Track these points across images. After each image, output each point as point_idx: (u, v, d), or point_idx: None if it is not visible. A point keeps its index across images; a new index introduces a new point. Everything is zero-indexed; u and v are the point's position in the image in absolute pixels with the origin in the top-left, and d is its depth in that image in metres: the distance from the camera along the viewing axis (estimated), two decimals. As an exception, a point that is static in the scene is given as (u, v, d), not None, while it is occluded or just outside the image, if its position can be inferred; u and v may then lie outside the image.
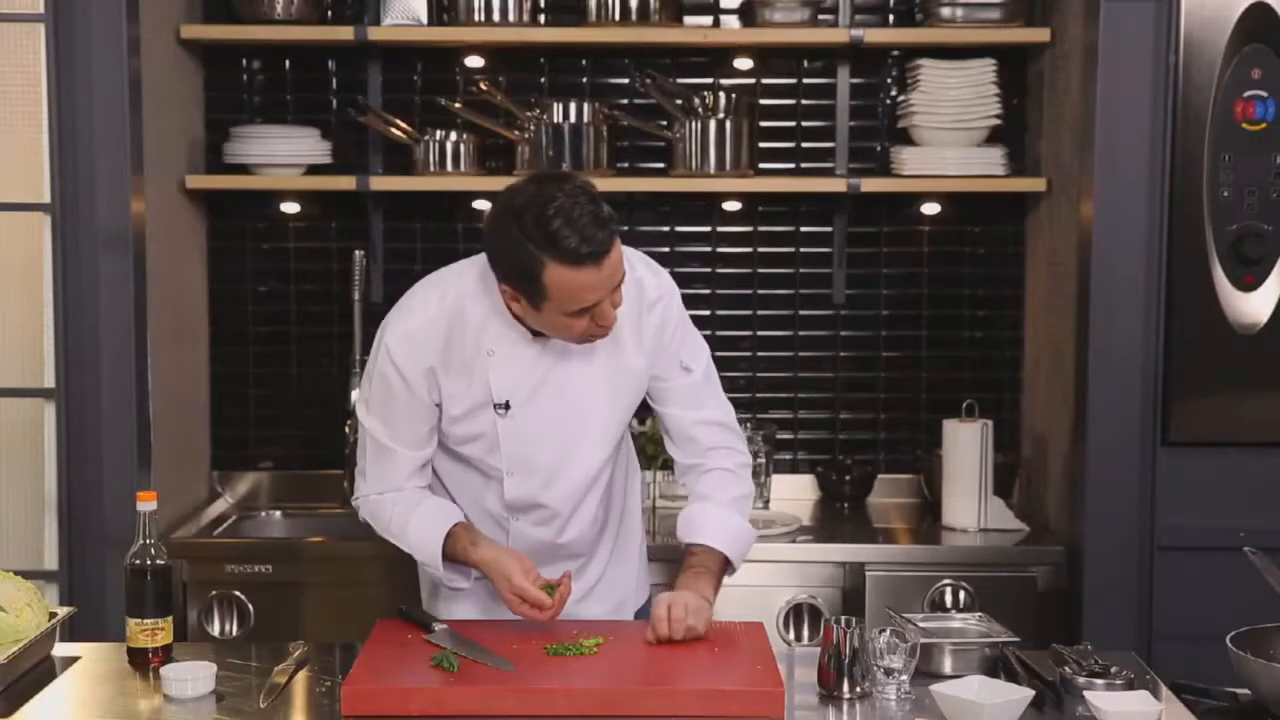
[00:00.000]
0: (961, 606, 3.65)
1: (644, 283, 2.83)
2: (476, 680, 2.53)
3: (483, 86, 4.10)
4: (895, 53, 4.20)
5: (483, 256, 2.75)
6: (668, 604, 2.71)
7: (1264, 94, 3.53)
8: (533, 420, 2.79)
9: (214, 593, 3.70)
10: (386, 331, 2.79)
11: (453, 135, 4.06)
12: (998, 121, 4.07)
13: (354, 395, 4.08)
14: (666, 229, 4.30)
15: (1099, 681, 2.54)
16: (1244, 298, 3.56)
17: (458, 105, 4.13)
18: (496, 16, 4.00)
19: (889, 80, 4.23)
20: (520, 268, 2.60)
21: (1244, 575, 2.79)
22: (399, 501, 2.85)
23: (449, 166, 4.07)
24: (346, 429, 4.09)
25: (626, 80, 4.24)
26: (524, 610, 2.72)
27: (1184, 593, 3.55)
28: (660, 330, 2.85)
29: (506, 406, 2.77)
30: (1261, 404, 3.58)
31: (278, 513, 4.14)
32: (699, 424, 2.92)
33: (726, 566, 2.89)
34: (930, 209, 4.24)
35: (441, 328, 2.75)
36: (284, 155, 4.08)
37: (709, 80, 4.24)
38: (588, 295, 2.60)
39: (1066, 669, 2.59)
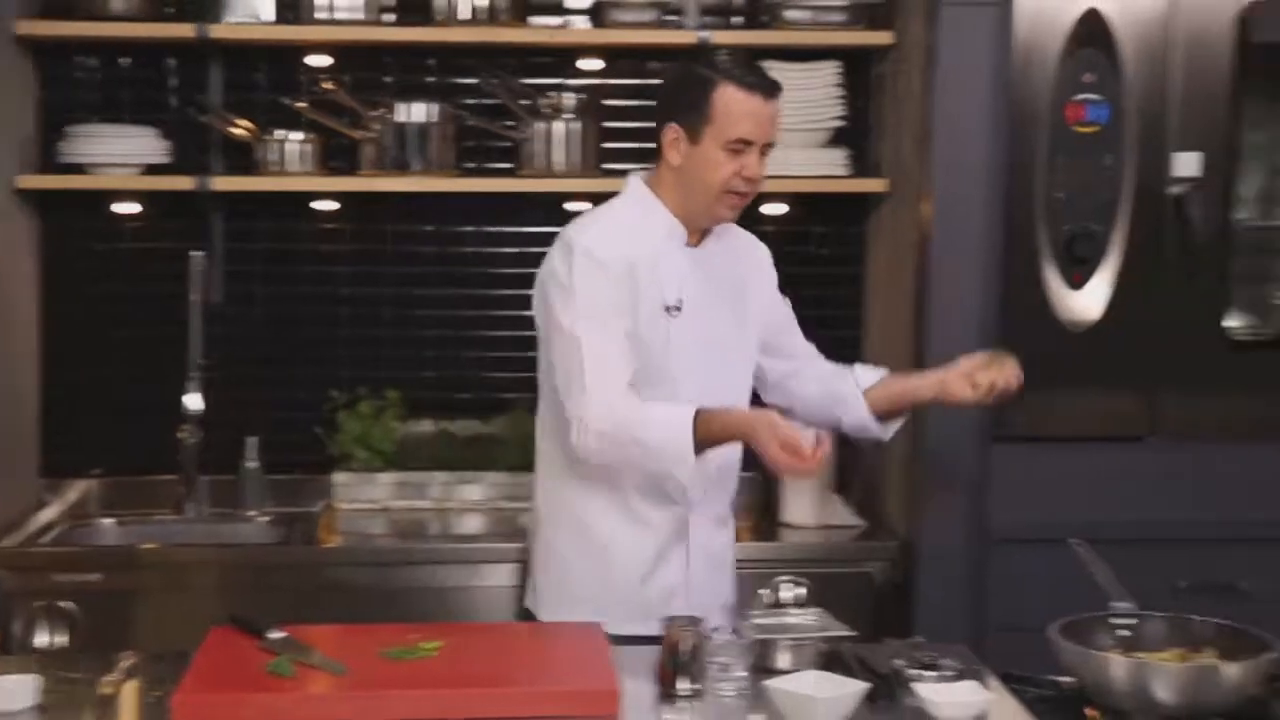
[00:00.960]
0: (800, 603, 3.67)
1: (754, 238, 3.21)
2: (312, 686, 2.49)
3: (327, 86, 4.05)
4: (741, 54, 4.22)
5: (634, 184, 3.03)
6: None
7: (1096, 98, 3.60)
8: (700, 322, 2.97)
9: (40, 603, 3.56)
10: (578, 240, 2.93)
11: (295, 135, 4.01)
12: (841, 123, 4.11)
13: (186, 399, 3.99)
14: (514, 229, 4.28)
15: (929, 674, 2.57)
16: (1075, 296, 3.63)
17: (302, 105, 4.08)
18: (341, 15, 3.95)
19: (735, 82, 4.25)
20: (693, 89, 2.91)
21: (1075, 568, 2.85)
22: (632, 406, 2.87)
23: (291, 166, 4.01)
24: (182, 433, 3.99)
25: (474, 80, 4.21)
26: (791, 462, 2.76)
27: (1017, 586, 3.60)
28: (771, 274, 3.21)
29: (679, 308, 2.94)
30: (1092, 399, 3.65)
31: (110, 520, 4.02)
32: (804, 344, 3.28)
33: None
34: (776, 209, 4.27)
35: (627, 235, 2.95)
36: (121, 155, 3.98)
37: (556, 80, 4.23)
38: (746, 124, 2.87)
39: (899, 662, 2.62)
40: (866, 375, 3.23)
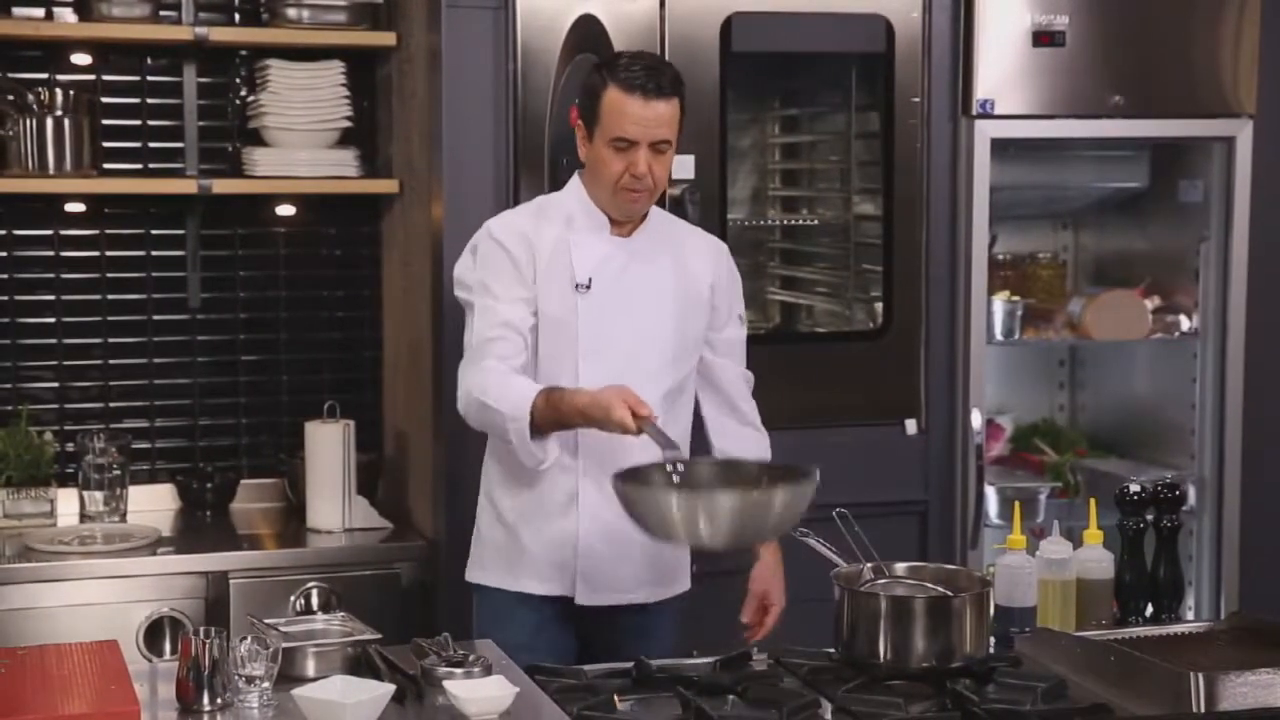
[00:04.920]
0: (329, 608, 3.65)
1: (717, 241, 3.30)
2: None
3: None
4: (243, 52, 4.14)
5: (559, 192, 3.17)
6: (777, 611, 3.16)
7: (597, 100, 3.73)
8: (610, 301, 3.05)
9: None
10: (488, 224, 3.13)
11: None
12: (348, 124, 4.10)
13: None
14: (3, 232, 4.05)
15: (458, 671, 2.61)
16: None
17: None
18: None
19: (238, 80, 4.16)
20: (588, 91, 3.05)
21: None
22: (498, 370, 3.00)
23: None
24: None
25: (-49, 74, 3.97)
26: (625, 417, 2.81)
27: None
28: (730, 275, 3.25)
29: (588, 286, 3.03)
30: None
31: None
32: (740, 378, 3.28)
33: None
34: (285, 210, 4.22)
35: (533, 215, 3.12)
36: None
37: (45, 75, 4.02)
38: (628, 125, 2.97)
39: (428, 661, 2.65)
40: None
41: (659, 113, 2.99)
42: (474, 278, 3.11)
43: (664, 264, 3.13)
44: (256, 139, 4.08)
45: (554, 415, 2.93)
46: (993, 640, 2.81)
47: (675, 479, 2.77)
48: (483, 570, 3.19)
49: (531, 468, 3.01)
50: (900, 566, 2.87)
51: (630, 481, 2.73)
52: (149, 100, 4.13)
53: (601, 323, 3.06)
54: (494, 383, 2.98)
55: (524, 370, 3.04)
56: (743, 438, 3.25)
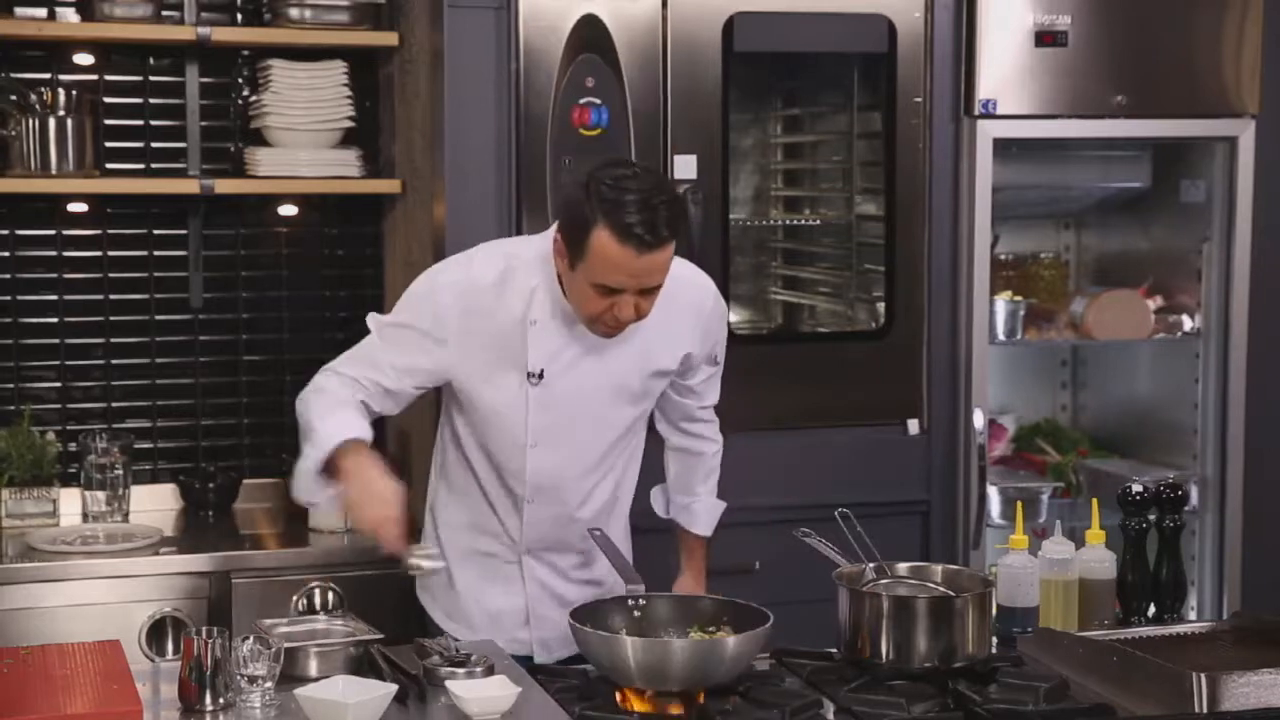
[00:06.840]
0: (331, 607, 3.66)
1: (706, 290, 3.01)
2: None
3: None
4: (245, 52, 4.14)
5: (549, 234, 2.85)
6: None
7: (597, 101, 3.72)
8: (563, 394, 2.86)
9: None
10: (440, 274, 2.92)
11: None
12: (351, 123, 4.10)
13: None
14: (6, 232, 4.06)
15: (460, 671, 2.61)
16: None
17: None
18: None
19: (240, 80, 4.17)
20: (575, 219, 2.72)
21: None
22: (339, 395, 2.90)
23: None
24: None
25: (-46, 74, 3.97)
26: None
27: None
28: (713, 324, 3.01)
29: (540, 376, 2.84)
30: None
31: None
32: (704, 409, 3.11)
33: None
34: (287, 210, 4.22)
35: (496, 283, 2.86)
36: None
37: (47, 75, 4.03)
38: (616, 275, 2.69)
39: (430, 661, 2.65)
40: (695, 518, 3.17)
41: (653, 263, 2.71)
42: (387, 321, 2.95)
43: (629, 349, 2.91)
44: (259, 139, 4.08)
45: (339, 474, 2.86)
46: (995, 640, 2.81)
47: (635, 614, 2.74)
48: (430, 606, 3.16)
49: (295, 499, 3.00)
50: (902, 566, 2.87)
51: (587, 622, 2.64)
52: (151, 100, 4.14)
53: (552, 414, 2.89)
54: (329, 403, 2.91)
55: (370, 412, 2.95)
56: (687, 440, 3.15)
